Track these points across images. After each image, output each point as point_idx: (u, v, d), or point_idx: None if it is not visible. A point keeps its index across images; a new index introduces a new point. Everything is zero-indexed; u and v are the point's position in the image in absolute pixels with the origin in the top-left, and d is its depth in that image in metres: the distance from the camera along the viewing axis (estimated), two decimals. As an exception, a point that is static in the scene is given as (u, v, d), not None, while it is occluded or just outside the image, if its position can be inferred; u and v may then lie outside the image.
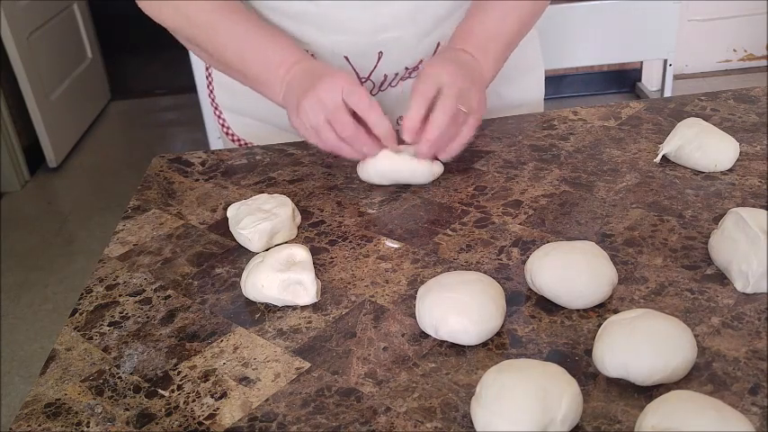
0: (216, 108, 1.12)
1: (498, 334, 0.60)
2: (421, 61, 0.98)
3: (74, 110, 3.56)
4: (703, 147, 0.81)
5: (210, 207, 0.85)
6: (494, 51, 0.90)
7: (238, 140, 1.11)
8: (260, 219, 0.75)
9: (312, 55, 0.96)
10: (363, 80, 0.97)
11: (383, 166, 0.83)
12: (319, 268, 0.71)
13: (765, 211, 0.64)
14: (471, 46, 0.88)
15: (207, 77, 1.12)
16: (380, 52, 0.95)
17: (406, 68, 0.98)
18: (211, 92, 1.12)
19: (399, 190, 0.84)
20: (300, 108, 0.81)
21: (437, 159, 0.85)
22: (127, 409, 0.57)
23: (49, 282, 2.52)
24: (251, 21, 0.90)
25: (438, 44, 0.97)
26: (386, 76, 0.98)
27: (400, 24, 0.93)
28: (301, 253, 0.68)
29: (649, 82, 3.39)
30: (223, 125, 1.12)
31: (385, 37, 0.94)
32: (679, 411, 0.46)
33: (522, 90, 1.10)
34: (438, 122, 0.79)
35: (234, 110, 1.09)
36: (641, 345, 0.53)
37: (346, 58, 0.95)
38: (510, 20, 0.92)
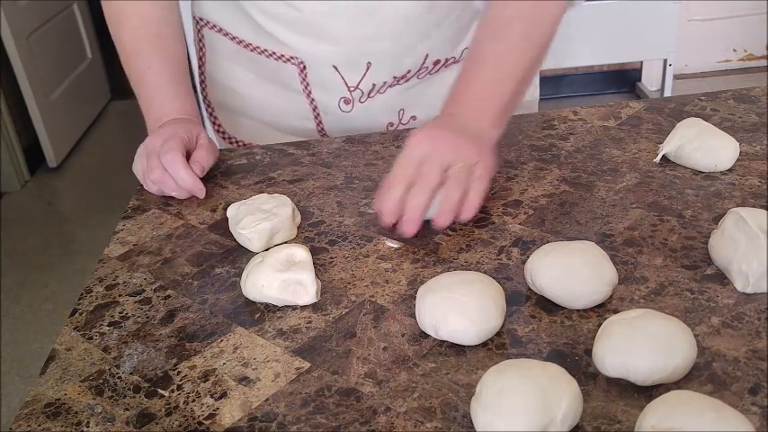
0: (209, 105, 1.13)
1: (498, 334, 0.60)
2: (409, 71, 0.98)
3: (74, 110, 3.56)
4: (703, 147, 0.81)
5: (210, 207, 0.85)
6: (490, 112, 0.82)
7: (229, 138, 1.11)
8: (260, 219, 0.75)
9: (302, 62, 0.97)
10: (352, 89, 0.98)
11: None
12: (319, 268, 0.71)
13: (765, 211, 0.64)
14: (464, 107, 0.82)
15: (200, 75, 1.12)
16: (369, 63, 0.95)
17: (395, 77, 0.98)
18: (204, 89, 1.12)
19: (399, 190, 0.84)
20: (135, 158, 0.90)
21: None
22: (127, 409, 0.57)
23: (49, 282, 2.52)
24: (161, 63, 0.95)
25: (426, 55, 0.97)
26: (374, 84, 0.98)
27: (388, 35, 0.94)
28: (301, 253, 0.68)
29: (649, 82, 3.39)
30: (214, 122, 1.13)
31: (373, 47, 0.94)
32: (679, 411, 0.46)
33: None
34: (413, 204, 0.73)
35: (227, 108, 1.09)
36: (641, 345, 0.53)
37: (335, 67, 0.96)
38: (509, 69, 0.84)
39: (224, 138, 1.12)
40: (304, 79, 0.99)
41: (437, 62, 0.99)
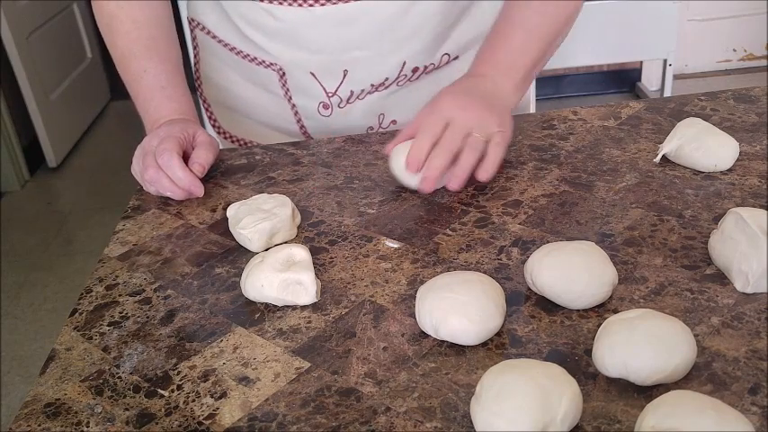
0: (204, 101, 1.13)
1: (498, 334, 0.60)
2: (387, 79, 0.98)
3: (73, 110, 3.56)
4: (703, 147, 0.81)
5: (210, 207, 0.85)
6: (517, 75, 0.88)
7: (224, 134, 1.12)
8: (260, 219, 0.75)
9: (281, 68, 0.98)
10: (330, 95, 0.98)
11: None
12: (319, 268, 0.71)
13: (765, 211, 0.64)
14: (493, 70, 0.87)
15: (195, 73, 1.13)
16: (345, 70, 0.95)
17: (372, 85, 0.98)
18: (199, 85, 1.13)
19: (399, 190, 0.84)
20: (133, 159, 0.90)
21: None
22: (127, 409, 0.57)
23: (49, 282, 2.52)
24: (156, 65, 0.94)
25: (404, 63, 0.97)
26: (352, 92, 0.98)
27: (365, 45, 0.94)
28: (301, 253, 0.68)
29: (649, 82, 3.39)
30: (210, 117, 1.13)
31: (350, 56, 0.94)
32: (679, 411, 0.46)
33: None
34: (435, 164, 0.79)
35: (222, 105, 1.10)
36: (641, 345, 0.53)
37: (312, 74, 0.96)
38: (536, 40, 0.89)
39: (219, 133, 1.13)
40: (284, 85, 0.99)
41: (416, 69, 0.99)
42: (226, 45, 1.02)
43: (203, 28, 1.04)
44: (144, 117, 0.95)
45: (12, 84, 3.09)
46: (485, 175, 0.80)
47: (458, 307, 0.58)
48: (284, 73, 0.98)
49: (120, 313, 0.68)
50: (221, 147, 1.11)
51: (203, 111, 1.15)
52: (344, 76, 0.96)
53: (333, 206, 0.82)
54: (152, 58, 0.94)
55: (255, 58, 0.99)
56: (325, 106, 1.00)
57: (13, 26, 3.02)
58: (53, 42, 3.42)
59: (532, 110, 1.28)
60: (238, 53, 1.01)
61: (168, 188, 0.85)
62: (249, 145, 1.09)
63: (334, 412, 0.54)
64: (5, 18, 2.96)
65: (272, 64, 0.98)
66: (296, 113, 1.02)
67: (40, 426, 0.56)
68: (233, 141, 1.11)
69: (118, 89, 4.03)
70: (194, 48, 1.10)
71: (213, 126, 1.14)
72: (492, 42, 0.90)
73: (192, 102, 0.97)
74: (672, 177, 0.81)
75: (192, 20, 1.06)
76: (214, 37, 1.03)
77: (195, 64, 1.12)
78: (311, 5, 0.90)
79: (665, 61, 2.72)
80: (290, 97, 1.00)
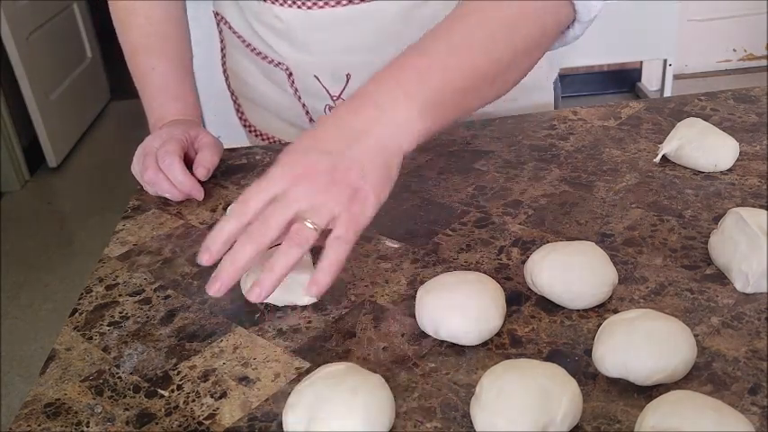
0: (232, 94, 1.13)
1: (498, 334, 0.60)
2: None
3: (74, 110, 3.56)
4: (703, 146, 0.81)
5: (210, 207, 0.85)
6: (416, 99, 0.64)
7: (250, 127, 1.12)
8: (260, 219, 0.74)
9: (288, 69, 0.97)
10: (335, 98, 0.98)
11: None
12: (319, 268, 0.71)
13: (765, 211, 0.64)
14: (383, 88, 0.65)
15: (222, 65, 1.13)
16: (348, 74, 0.95)
17: None
18: (227, 78, 1.13)
19: (400, 190, 0.84)
20: (134, 158, 0.90)
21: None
22: (127, 409, 0.57)
23: (49, 282, 2.52)
24: (165, 63, 0.95)
25: None
26: None
27: (366, 49, 0.93)
28: (301, 253, 0.68)
29: (649, 82, 3.39)
30: (238, 110, 1.13)
31: (351, 60, 0.93)
32: (679, 411, 0.46)
33: (522, 109, 1.05)
34: (230, 261, 0.59)
35: (247, 98, 1.10)
36: (641, 345, 0.53)
37: (316, 77, 0.96)
38: (465, 57, 0.67)
39: (246, 126, 1.13)
40: (292, 84, 0.99)
41: None
42: (244, 41, 1.02)
43: (225, 22, 1.05)
44: (149, 114, 0.95)
45: (12, 84, 3.09)
46: (314, 289, 0.59)
47: (458, 307, 0.58)
48: (291, 74, 0.98)
49: (120, 313, 0.68)
50: (247, 141, 1.11)
51: (231, 103, 1.15)
52: (348, 80, 0.95)
53: (333, 206, 0.82)
54: (162, 56, 0.95)
55: (267, 57, 0.99)
56: (332, 110, 0.99)
57: (13, 26, 3.02)
58: (53, 42, 3.42)
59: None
60: (253, 50, 1.01)
61: (167, 190, 0.85)
62: (272, 141, 1.09)
63: (335, 412, 0.54)
64: (5, 18, 2.96)
65: (280, 63, 0.98)
66: (307, 112, 1.02)
67: (40, 426, 0.56)
68: (257, 135, 1.11)
69: (118, 89, 4.03)
70: (221, 41, 1.10)
71: (240, 119, 1.14)
72: (402, 55, 0.68)
73: (198, 102, 0.97)
74: (672, 177, 0.81)
75: (217, 13, 1.07)
76: (235, 33, 1.03)
77: (222, 57, 1.12)
78: (309, 8, 0.90)
79: (665, 61, 2.72)
80: (300, 96, 1.00)
